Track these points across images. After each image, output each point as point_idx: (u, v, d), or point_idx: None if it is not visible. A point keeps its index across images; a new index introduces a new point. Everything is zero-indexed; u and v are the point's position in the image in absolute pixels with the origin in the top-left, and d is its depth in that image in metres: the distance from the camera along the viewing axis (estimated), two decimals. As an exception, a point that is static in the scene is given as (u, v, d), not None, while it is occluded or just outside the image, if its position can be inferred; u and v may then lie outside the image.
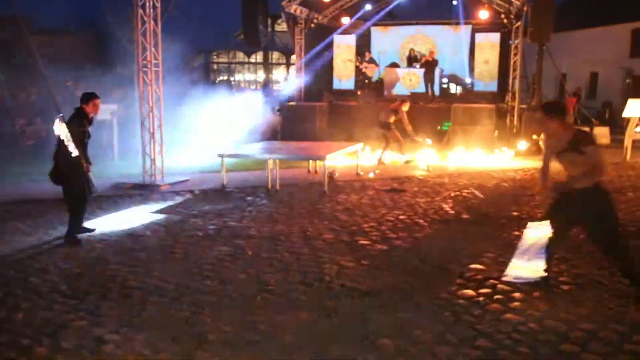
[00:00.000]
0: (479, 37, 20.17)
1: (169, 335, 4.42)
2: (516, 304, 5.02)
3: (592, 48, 27.79)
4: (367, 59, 20.43)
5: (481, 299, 5.15)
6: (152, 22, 11.49)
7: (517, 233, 7.41)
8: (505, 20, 19.22)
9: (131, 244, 6.95)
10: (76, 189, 6.99)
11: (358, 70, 20.79)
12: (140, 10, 11.38)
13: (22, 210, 8.80)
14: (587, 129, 14.63)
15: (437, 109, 17.25)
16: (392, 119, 13.87)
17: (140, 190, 10.67)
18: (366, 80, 20.59)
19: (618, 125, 18.71)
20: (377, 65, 20.63)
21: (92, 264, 6.21)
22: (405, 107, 14.06)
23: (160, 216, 8.58)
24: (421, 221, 8.18)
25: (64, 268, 6.07)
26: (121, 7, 20.66)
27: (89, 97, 7.05)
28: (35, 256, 6.46)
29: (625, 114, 15.09)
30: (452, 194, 10.18)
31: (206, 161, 12.82)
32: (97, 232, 7.51)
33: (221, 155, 11.16)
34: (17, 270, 5.97)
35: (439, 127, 16.73)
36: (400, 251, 6.67)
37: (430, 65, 19.14)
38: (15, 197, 9.77)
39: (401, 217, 8.41)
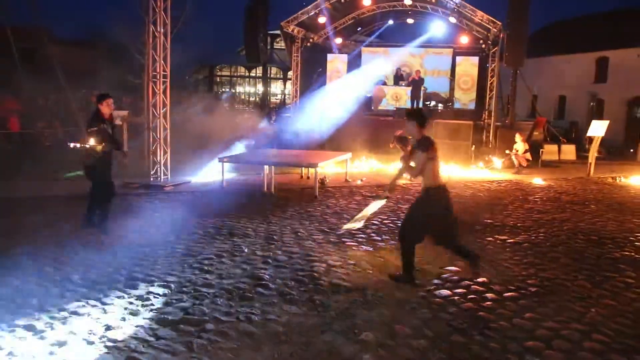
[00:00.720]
0: (460, 59, 20.35)
1: (171, 324, 4.41)
2: (488, 303, 5.05)
3: (561, 73, 28.03)
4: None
5: (456, 298, 5.17)
6: (162, 37, 11.50)
7: (490, 239, 7.48)
8: (483, 46, 19.41)
9: (137, 239, 6.93)
10: (97, 178, 7.15)
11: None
12: (152, 26, 11.39)
13: (39, 205, 8.75)
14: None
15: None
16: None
17: (146, 190, 10.65)
18: (356, 96, 20.62)
19: (583, 144, 18.88)
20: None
21: (101, 256, 6.19)
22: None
23: (164, 214, 8.56)
24: (403, 226, 8.19)
25: (75, 259, 6.04)
26: (133, 22, 20.63)
27: (102, 97, 7.17)
28: (50, 247, 6.42)
29: (590, 133, 15.25)
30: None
31: (208, 165, 12.81)
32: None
33: (221, 160, 11.17)
34: (33, 260, 5.94)
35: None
36: (383, 252, 6.69)
37: (416, 84, 19.26)
38: (32, 194, 9.72)
39: (385, 221, 8.43)
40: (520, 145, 15.00)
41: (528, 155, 15.05)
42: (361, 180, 12.58)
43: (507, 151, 15.21)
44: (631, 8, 28.01)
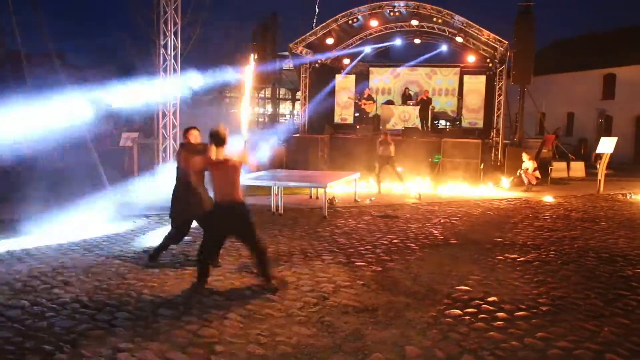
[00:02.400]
0: (467, 78, 20.39)
1: (180, 346, 4.39)
2: (499, 323, 4.99)
3: (568, 90, 28.02)
4: (365, 96, 20.57)
5: (467, 317, 5.12)
6: (172, 60, 11.66)
7: (500, 257, 7.41)
8: (490, 64, 19.43)
9: (146, 260, 6.92)
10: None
11: (357, 106, 20.95)
12: (163, 50, 11.56)
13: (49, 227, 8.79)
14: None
15: (429, 143, 17.32)
16: (392, 151, 13.98)
17: (156, 211, 10.67)
18: (364, 116, 20.71)
19: (592, 161, 18.77)
20: (374, 102, 20.77)
21: (111, 277, 6.19)
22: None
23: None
24: (413, 245, 8.16)
25: (85, 281, 6.05)
26: (144, 46, 20.92)
27: (185, 130, 6.94)
28: (60, 269, 6.44)
29: (599, 150, 15.17)
30: (442, 221, 10.17)
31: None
32: (116, 248, 7.52)
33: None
34: (43, 282, 5.96)
35: (430, 159, 16.78)
36: (393, 272, 6.64)
37: (424, 103, 19.30)
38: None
39: (394, 241, 8.39)
40: (528, 163, 14.93)
41: (537, 173, 14.99)
42: (370, 200, 12.55)
43: (518, 172, 15.15)
44: (637, 25, 28.04)
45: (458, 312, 5.25)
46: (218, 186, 5.78)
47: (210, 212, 6.07)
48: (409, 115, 19.86)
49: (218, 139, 5.73)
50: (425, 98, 19.37)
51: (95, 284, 5.97)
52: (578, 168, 18.75)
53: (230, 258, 7.12)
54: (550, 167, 16.94)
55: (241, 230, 5.94)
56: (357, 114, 21.23)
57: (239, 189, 5.88)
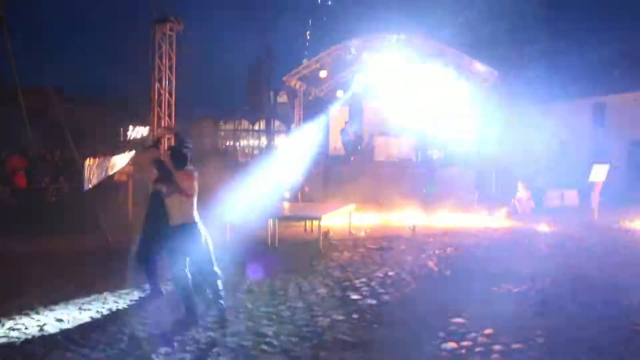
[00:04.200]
0: (460, 107, 20.55)
1: (173, 385, 4.34)
2: (495, 356, 4.96)
3: (560, 118, 28.32)
4: (353, 130, 20.68)
5: (463, 351, 5.08)
6: (167, 94, 11.78)
7: (495, 288, 7.39)
8: (482, 93, 19.63)
9: (141, 298, 6.86)
10: None
11: (353, 136, 21.06)
12: (157, 84, 11.68)
13: (40, 262, 8.72)
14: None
15: (423, 173, 17.39)
16: None
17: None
18: (359, 147, 20.80)
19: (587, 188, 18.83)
20: (362, 137, 20.86)
21: (104, 315, 6.13)
22: None
23: (164, 269, 8.50)
24: (408, 277, 8.13)
25: (78, 318, 5.99)
26: (140, 79, 21.04)
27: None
28: (51, 306, 6.38)
29: (591, 178, 15.25)
30: (437, 252, 10.15)
31: (212, 218, 12.78)
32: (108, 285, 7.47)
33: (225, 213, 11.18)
34: (34, 320, 5.89)
35: (424, 190, 16.84)
36: (389, 306, 6.61)
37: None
38: (35, 250, 9.71)
39: (389, 273, 8.36)
40: (523, 192, 15.01)
41: (531, 203, 15.04)
42: (365, 232, 12.54)
43: (513, 201, 15.20)
44: (624, 54, 28.46)
45: (454, 345, 5.21)
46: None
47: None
48: (403, 146, 19.93)
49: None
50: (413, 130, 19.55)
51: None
52: (572, 196, 18.81)
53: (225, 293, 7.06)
54: (544, 196, 17.01)
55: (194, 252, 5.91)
56: (351, 146, 21.30)
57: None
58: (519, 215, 14.78)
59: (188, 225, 5.86)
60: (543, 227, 13.36)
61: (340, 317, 6.07)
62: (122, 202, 14.60)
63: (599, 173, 14.97)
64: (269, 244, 10.72)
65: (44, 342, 5.26)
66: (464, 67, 18.20)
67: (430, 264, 9.12)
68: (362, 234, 12.32)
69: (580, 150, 27.79)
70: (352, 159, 19.99)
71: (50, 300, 6.70)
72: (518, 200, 14.97)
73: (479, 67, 17.28)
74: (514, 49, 17.12)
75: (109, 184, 15.75)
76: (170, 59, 12.40)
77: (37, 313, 6.15)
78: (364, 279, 7.92)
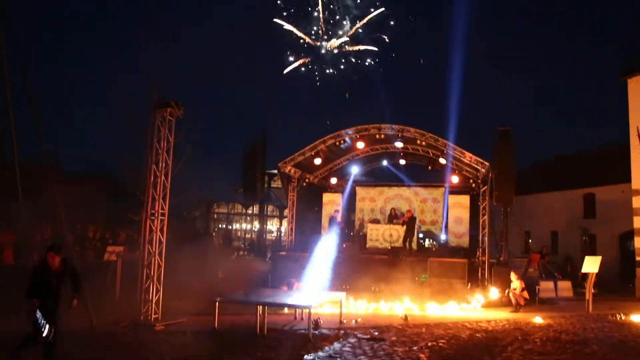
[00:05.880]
0: (452, 198, 20.82)
1: None
2: None
3: (551, 209, 28.60)
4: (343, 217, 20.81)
5: None
6: (162, 176, 11.88)
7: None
8: (473, 185, 19.91)
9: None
10: None
11: (343, 224, 21.13)
12: (154, 166, 11.81)
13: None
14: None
15: (416, 262, 17.28)
16: None
17: (135, 329, 10.35)
18: (351, 234, 20.81)
19: (579, 280, 18.72)
20: (353, 224, 20.96)
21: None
22: None
23: (151, 356, 8.24)
24: (399, 370, 7.88)
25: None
26: (136, 159, 21.17)
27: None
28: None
29: (584, 269, 15.18)
30: (429, 344, 9.90)
31: (202, 304, 12.54)
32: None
33: (216, 300, 11.00)
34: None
35: (417, 279, 16.68)
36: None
37: (409, 224, 19.50)
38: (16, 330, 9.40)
39: (381, 365, 8.12)
40: (516, 283, 14.87)
41: (525, 294, 14.85)
42: (356, 321, 12.27)
43: (507, 292, 15.04)
44: (612, 147, 29.25)
45: None
46: None
47: None
48: (395, 235, 19.93)
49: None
50: (407, 220, 19.65)
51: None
52: (565, 287, 18.65)
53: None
54: (537, 287, 16.84)
55: None
56: (343, 233, 21.32)
57: None
58: (513, 307, 14.54)
59: None
60: (537, 319, 13.13)
61: (329, 413, 5.83)
62: (110, 282, 14.37)
63: (591, 265, 14.94)
64: (258, 332, 10.45)
65: None
66: (455, 158, 18.55)
67: (422, 356, 8.87)
68: (353, 323, 12.05)
69: (572, 240, 27.92)
70: (343, 246, 19.92)
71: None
72: (512, 290, 14.80)
73: (471, 158, 17.64)
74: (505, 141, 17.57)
75: (98, 263, 15.60)
76: (168, 142, 12.60)
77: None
78: (354, 372, 7.67)
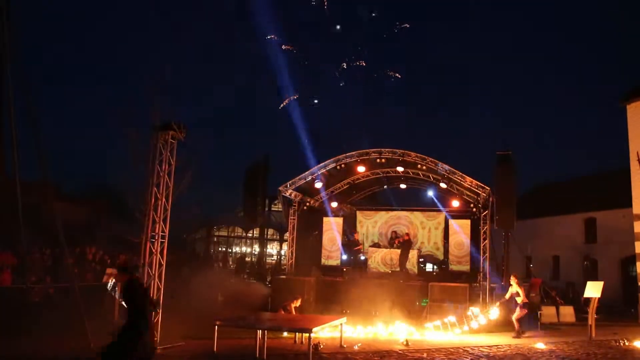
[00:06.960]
0: (452, 222, 20.77)
1: None
2: None
3: (552, 234, 28.54)
4: (352, 238, 20.79)
5: None
6: (163, 199, 11.88)
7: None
8: (474, 209, 19.88)
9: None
10: None
11: (344, 248, 21.07)
12: (155, 189, 11.82)
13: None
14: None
15: (416, 287, 17.19)
16: None
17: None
18: (352, 257, 20.73)
19: (582, 305, 18.58)
20: (360, 244, 20.91)
21: None
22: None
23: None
24: (400, 395, 7.79)
25: None
26: (137, 181, 21.17)
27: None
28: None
29: (586, 295, 15.07)
30: (430, 369, 9.80)
31: (202, 328, 12.44)
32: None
33: (216, 323, 10.93)
34: None
35: (418, 303, 16.56)
36: None
37: (405, 246, 19.42)
38: (11, 354, 9.34)
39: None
40: (516, 287, 14.52)
41: (523, 311, 14.51)
42: (357, 346, 12.15)
43: (507, 295, 14.82)
44: (613, 171, 29.26)
45: None
46: None
47: None
48: (395, 258, 19.84)
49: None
50: (402, 241, 19.57)
51: None
52: (568, 313, 18.51)
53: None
54: (539, 312, 16.70)
55: None
56: (344, 257, 21.27)
57: None
58: (515, 332, 14.35)
59: None
60: (540, 345, 13.00)
61: None
62: (109, 305, 14.26)
63: (593, 290, 14.84)
64: (257, 356, 10.35)
65: None
66: (456, 182, 18.57)
67: (424, 381, 8.77)
68: (355, 348, 11.93)
69: (573, 265, 27.81)
70: (344, 270, 19.84)
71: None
72: (516, 319, 14.43)
73: (472, 182, 17.65)
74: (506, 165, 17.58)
75: (97, 286, 15.51)
76: (169, 164, 12.63)
77: None
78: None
